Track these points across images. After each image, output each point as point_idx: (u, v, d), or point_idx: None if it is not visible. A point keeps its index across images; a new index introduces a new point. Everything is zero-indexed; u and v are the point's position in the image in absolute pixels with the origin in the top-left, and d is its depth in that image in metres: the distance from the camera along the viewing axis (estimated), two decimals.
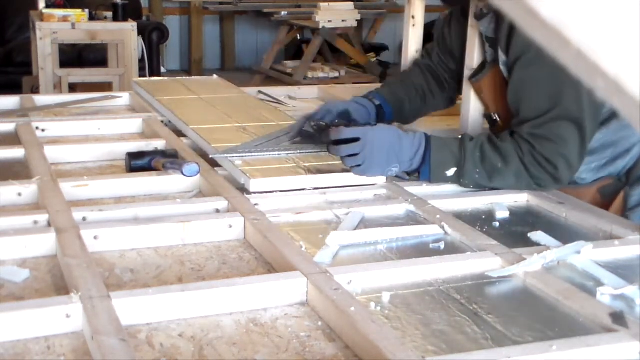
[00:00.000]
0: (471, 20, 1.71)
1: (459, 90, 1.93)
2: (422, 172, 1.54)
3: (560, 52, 0.30)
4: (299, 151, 1.68)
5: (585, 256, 1.24)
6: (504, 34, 1.56)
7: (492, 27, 1.64)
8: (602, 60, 0.30)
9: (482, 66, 1.72)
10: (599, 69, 0.30)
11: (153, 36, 6.04)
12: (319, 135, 1.63)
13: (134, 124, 2.04)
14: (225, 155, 1.63)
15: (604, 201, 1.64)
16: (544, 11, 0.29)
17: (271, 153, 1.66)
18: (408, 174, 1.58)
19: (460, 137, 1.56)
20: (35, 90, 4.73)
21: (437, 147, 1.52)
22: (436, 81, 1.92)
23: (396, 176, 1.58)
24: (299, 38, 8.09)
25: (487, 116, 1.76)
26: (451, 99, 1.97)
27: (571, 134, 1.48)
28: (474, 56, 1.73)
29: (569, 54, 0.30)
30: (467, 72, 1.77)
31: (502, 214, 1.46)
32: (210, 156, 1.68)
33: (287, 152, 1.67)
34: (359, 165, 1.50)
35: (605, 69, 0.30)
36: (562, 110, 1.48)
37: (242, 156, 1.63)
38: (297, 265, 1.13)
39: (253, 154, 1.65)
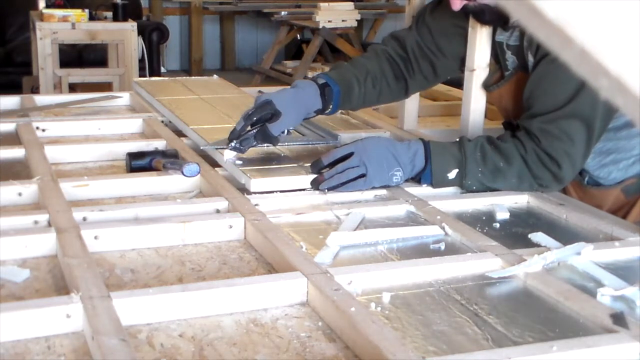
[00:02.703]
0: (472, 22, 1.71)
1: (430, 83, 1.89)
2: (423, 177, 1.54)
3: (564, 51, 0.30)
4: (287, 143, 1.70)
5: (585, 257, 1.24)
6: (535, 38, 1.54)
7: (516, 35, 1.63)
8: (606, 59, 0.30)
9: (501, 75, 1.71)
10: (603, 67, 0.30)
11: (153, 36, 6.04)
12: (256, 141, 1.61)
13: (134, 124, 2.04)
14: (216, 146, 1.66)
15: (628, 200, 1.65)
16: (548, 10, 0.29)
17: (260, 145, 1.68)
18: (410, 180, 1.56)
19: (457, 139, 1.55)
20: (35, 90, 4.74)
21: (436, 151, 1.52)
22: (392, 68, 1.83)
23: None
24: (299, 38, 8.10)
25: (507, 124, 1.72)
26: (406, 90, 1.87)
27: (580, 134, 1.47)
28: (474, 57, 1.73)
29: (572, 52, 0.30)
30: (467, 73, 1.76)
31: (503, 215, 1.46)
32: (201, 147, 1.70)
33: (276, 145, 1.69)
34: (363, 175, 1.48)
35: (608, 68, 0.30)
36: (576, 108, 1.47)
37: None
38: (297, 266, 1.13)
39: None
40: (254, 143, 1.60)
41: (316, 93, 1.68)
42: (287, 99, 1.63)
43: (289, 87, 1.71)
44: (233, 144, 1.59)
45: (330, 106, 1.72)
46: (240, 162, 1.58)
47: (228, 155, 1.60)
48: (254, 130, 1.59)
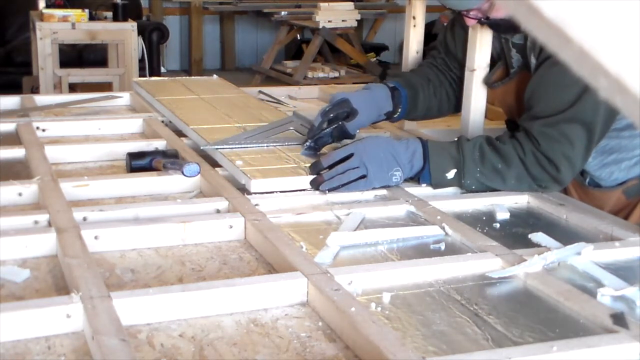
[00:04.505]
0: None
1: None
2: (422, 177, 1.54)
3: (563, 51, 0.30)
4: (287, 143, 1.71)
5: (585, 257, 1.24)
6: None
7: (521, 34, 1.63)
8: (605, 58, 0.30)
9: (506, 72, 1.71)
10: (601, 67, 0.30)
11: (153, 36, 6.04)
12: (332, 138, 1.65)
13: (135, 124, 2.04)
14: (216, 146, 1.66)
15: (629, 201, 1.65)
16: (546, 9, 0.29)
17: (260, 145, 1.70)
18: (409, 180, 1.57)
19: (456, 139, 1.55)
20: (35, 90, 4.74)
21: (435, 151, 1.52)
22: (446, 78, 1.88)
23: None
24: (299, 38, 8.09)
25: (510, 122, 1.72)
26: (457, 103, 1.89)
27: (580, 138, 1.47)
28: (474, 57, 1.73)
29: (571, 52, 0.30)
30: (467, 73, 1.76)
31: (503, 215, 1.46)
32: (202, 147, 1.70)
33: (275, 145, 1.71)
34: (364, 177, 1.49)
35: (607, 68, 0.30)
36: (577, 111, 1.47)
37: (232, 147, 1.67)
38: (297, 266, 1.13)
39: (242, 146, 1.68)
40: (330, 141, 1.64)
41: (388, 95, 1.73)
42: (362, 98, 1.67)
43: (361, 89, 1.76)
44: (308, 143, 1.63)
45: (399, 110, 1.76)
46: (240, 162, 1.58)
47: (304, 152, 1.65)
48: (330, 129, 1.62)
